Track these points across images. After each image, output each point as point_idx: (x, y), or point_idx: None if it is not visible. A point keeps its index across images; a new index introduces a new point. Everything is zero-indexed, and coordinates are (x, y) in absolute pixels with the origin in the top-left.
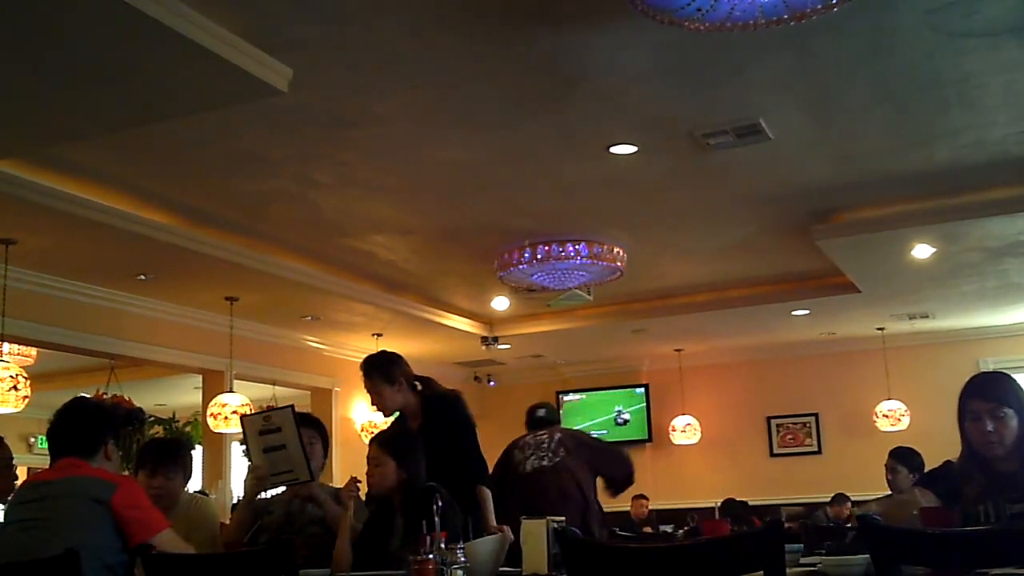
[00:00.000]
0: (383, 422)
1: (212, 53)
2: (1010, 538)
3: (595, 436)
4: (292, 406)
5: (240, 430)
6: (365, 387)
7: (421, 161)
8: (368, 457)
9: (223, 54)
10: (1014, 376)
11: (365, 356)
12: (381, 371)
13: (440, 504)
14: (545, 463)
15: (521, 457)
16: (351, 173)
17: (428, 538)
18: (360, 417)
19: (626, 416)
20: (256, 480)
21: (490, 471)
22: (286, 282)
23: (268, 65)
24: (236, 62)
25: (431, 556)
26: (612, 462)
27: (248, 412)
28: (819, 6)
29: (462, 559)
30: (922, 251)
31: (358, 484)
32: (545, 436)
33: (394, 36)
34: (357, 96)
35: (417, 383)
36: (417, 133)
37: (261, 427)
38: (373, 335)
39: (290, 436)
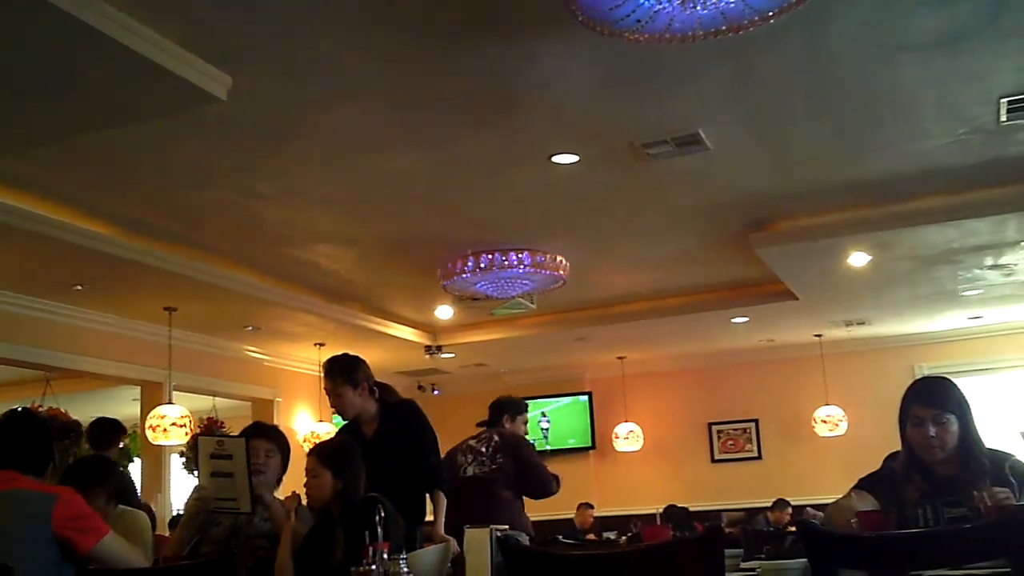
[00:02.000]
0: (325, 432)
1: (151, 62)
2: (943, 541)
3: (531, 448)
4: (247, 438)
5: (180, 442)
6: (326, 388)
7: (364, 171)
8: (305, 468)
9: (162, 62)
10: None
11: (329, 357)
12: (345, 373)
13: (382, 515)
14: (481, 471)
15: (462, 461)
16: (294, 183)
17: (370, 549)
18: (302, 428)
19: (545, 424)
20: (199, 501)
21: None
22: (226, 292)
23: (207, 73)
24: (175, 70)
25: (373, 567)
26: (535, 483)
27: (197, 429)
28: (756, 18)
29: (405, 570)
30: (858, 259)
31: (298, 495)
32: (484, 441)
33: (336, 47)
34: (299, 106)
35: (376, 389)
36: (360, 143)
37: (213, 450)
38: (316, 345)
39: (239, 466)
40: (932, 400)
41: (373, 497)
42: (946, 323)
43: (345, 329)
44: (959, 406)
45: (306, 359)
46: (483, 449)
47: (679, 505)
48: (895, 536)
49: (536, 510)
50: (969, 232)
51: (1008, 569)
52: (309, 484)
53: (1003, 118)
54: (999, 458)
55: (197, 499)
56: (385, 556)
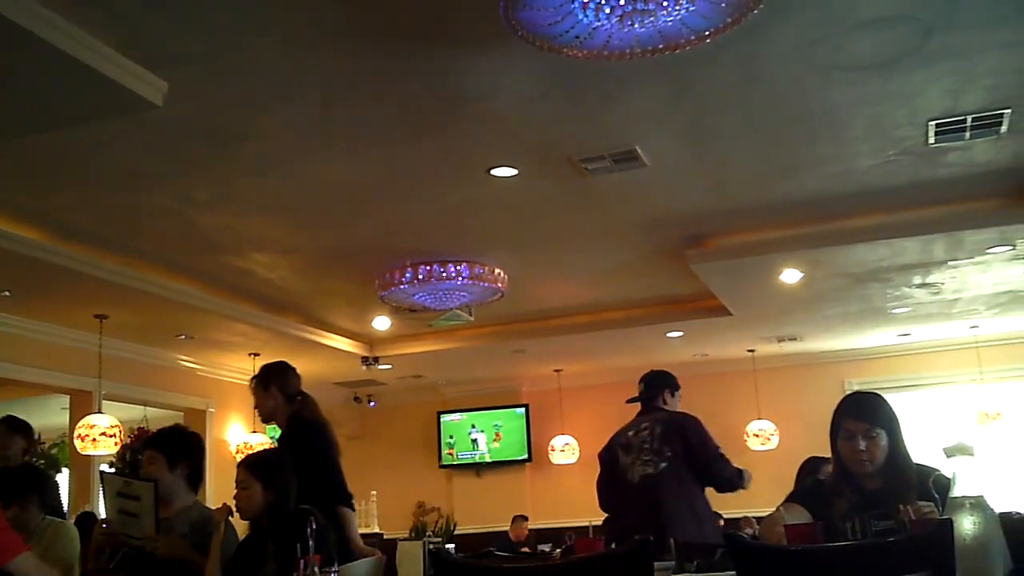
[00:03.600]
0: (258, 444)
1: (85, 65)
2: (867, 553)
3: (703, 429)
4: (155, 482)
5: (109, 452)
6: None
7: (302, 178)
8: (236, 480)
9: (96, 66)
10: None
11: None
12: (261, 376)
13: (314, 527)
14: (651, 470)
15: (627, 462)
16: (230, 189)
17: (302, 562)
18: (235, 439)
19: (475, 436)
20: (105, 535)
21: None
22: (159, 300)
23: (142, 78)
24: (109, 75)
25: None
26: (714, 476)
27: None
28: (693, 37)
29: None
30: (790, 276)
31: (228, 508)
32: (646, 430)
33: (274, 52)
34: (237, 111)
35: (299, 397)
36: (298, 151)
37: (120, 488)
38: (250, 355)
39: (147, 509)
40: (863, 414)
41: (305, 509)
42: (875, 340)
43: (280, 339)
44: (889, 421)
45: (240, 369)
46: (645, 442)
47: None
48: (819, 549)
49: (467, 523)
50: (899, 251)
51: None
52: (239, 495)
53: (931, 140)
54: (924, 473)
55: (104, 535)
56: (316, 569)
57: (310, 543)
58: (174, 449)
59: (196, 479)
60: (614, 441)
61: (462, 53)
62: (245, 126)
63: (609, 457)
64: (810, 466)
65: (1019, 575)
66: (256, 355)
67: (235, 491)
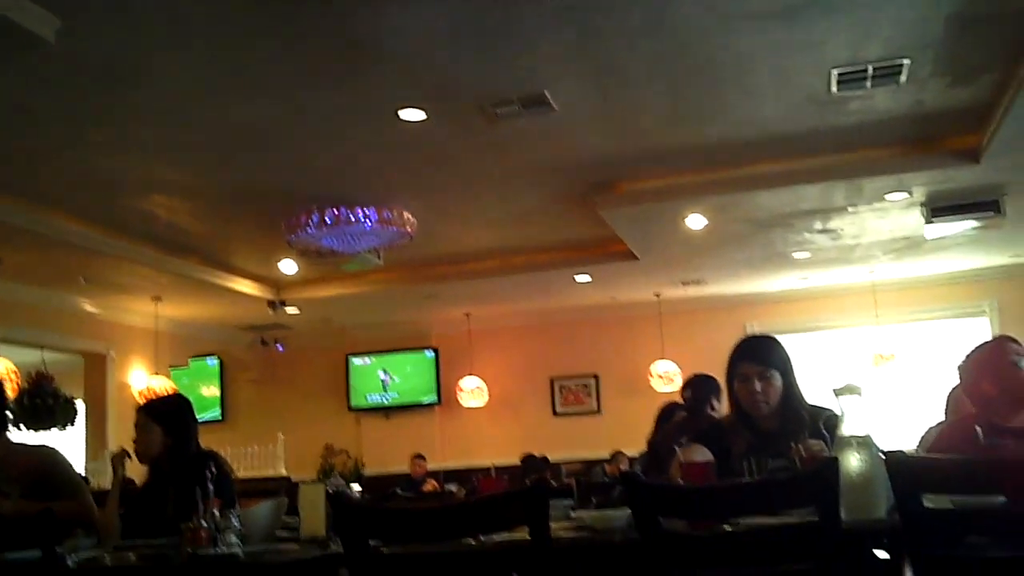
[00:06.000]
0: (161, 388)
1: None
2: (757, 491)
3: None
4: None
5: None
6: None
7: (205, 120)
8: (135, 423)
9: None
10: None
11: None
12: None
13: (214, 471)
14: None
15: None
16: (130, 130)
17: (202, 505)
18: (138, 383)
19: (386, 379)
20: None
21: None
22: (57, 242)
23: (33, 14)
24: None
25: (204, 524)
26: None
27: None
28: None
29: (236, 526)
30: (696, 221)
31: (127, 453)
32: None
33: None
34: (135, 51)
35: None
36: (202, 91)
37: None
38: (153, 298)
39: None
40: (758, 356)
41: (205, 453)
42: (777, 284)
43: (184, 282)
44: (783, 363)
45: (143, 313)
46: None
47: (537, 455)
48: (711, 487)
49: (376, 465)
50: (800, 197)
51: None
52: (137, 439)
53: (834, 88)
54: (816, 413)
55: None
56: (216, 513)
57: (210, 487)
58: None
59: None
60: None
61: None
62: (144, 66)
63: None
64: (667, 412)
65: (902, 511)
66: (158, 299)
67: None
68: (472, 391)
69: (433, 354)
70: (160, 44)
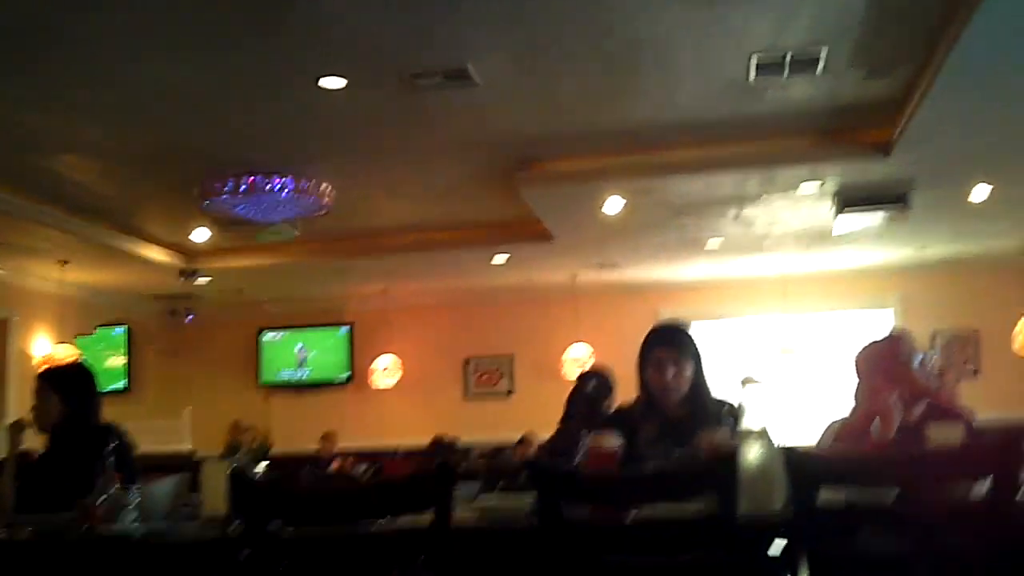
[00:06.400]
0: (65, 356)
1: None
2: (660, 478)
3: None
4: None
5: None
6: None
7: (116, 79)
8: (34, 390)
9: None
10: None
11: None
12: None
13: (115, 444)
14: None
15: None
16: (41, 88)
17: (100, 479)
18: (40, 351)
19: (303, 355)
20: None
21: None
22: None
23: None
24: None
25: (101, 499)
26: None
27: None
28: None
29: (136, 501)
30: (614, 204)
31: (23, 423)
32: None
33: None
34: (50, 7)
35: None
36: (114, 50)
37: None
38: (59, 262)
39: None
40: (672, 343)
41: (106, 425)
42: (690, 270)
43: (92, 247)
44: (695, 353)
45: (48, 277)
46: None
47: (446, 438)
48: (611, 475)
49: (285, 443)
50: (715, 184)
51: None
52: (35, 407)
53: (752, 76)
54: (719, 404)
55: None
56: (116, 487)
57: (110, 460)
58: None
59: None
60: None
61: None
62: (58, 22)
63: None
64: (582, 382)
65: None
66: (65, 262)
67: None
68: (385, 370)
69: (347, 330)
70: (75, 2)
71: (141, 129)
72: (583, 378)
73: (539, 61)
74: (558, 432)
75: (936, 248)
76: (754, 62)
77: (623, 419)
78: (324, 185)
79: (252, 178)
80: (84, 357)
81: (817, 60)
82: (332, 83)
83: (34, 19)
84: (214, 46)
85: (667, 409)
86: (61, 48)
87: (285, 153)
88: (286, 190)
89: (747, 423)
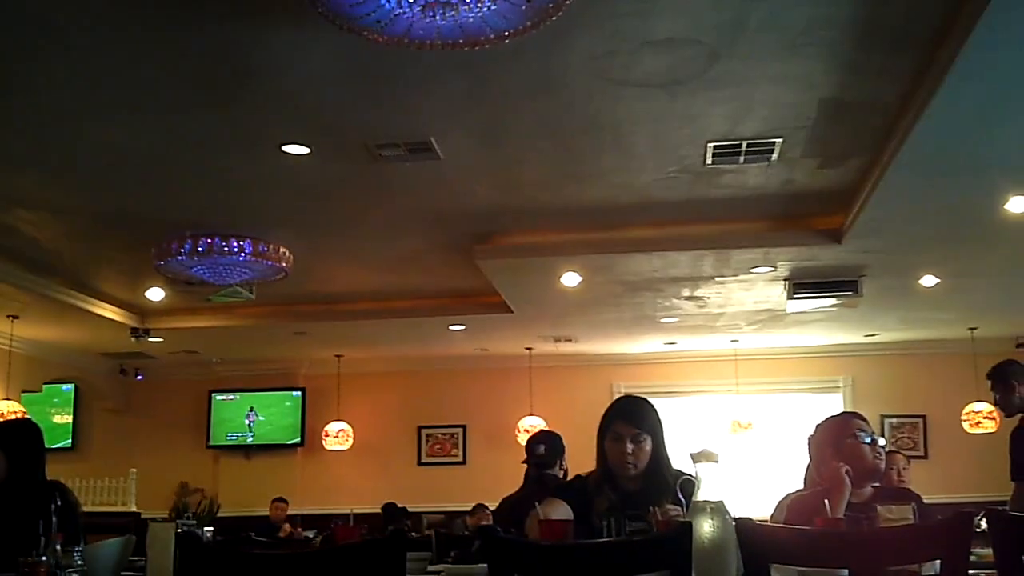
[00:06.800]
0: (10, 412)
1: None
2: (613, 552)
3: None
4: None
5: None
6: None
7: (76, 137)
8: None
9: None
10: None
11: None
12: None
13: (59, 503)
14: None
15: None
16: None
17: (43, 539)
18: None
19: (253, 418)
20: None
21: None
22: None
23: None
24: None
25: (43, 559)
26: None
27: None
28: (492, 36)
29: (79, 563)
30: (570, 279)
31: None
32: None
33: (54, 4)
34: (9, 60)
35: None
36: (76, 109)
37: None
38: (9, 316)
39: None
40: (633, 418)
41: (51, 483)
42: (644, 346)
43: (44, 303)
44: (655, 428)
45: None
46: None
47: (397, 504)
48: (567, 546)
49: (233, 506)
50: (671, 263)
51: None
52: None
53: (708, 161)
54: (677, 476)
55: None
56: (59, 547)
57: (53, 519)
58: None
59: None
60: None
61: (257, 23)
62: (19, 77)
63: None
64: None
65: None
66: (15, 317)
67: None
68: (337, 435)
69: (300, 394)
70: (37, 57)
71: (99, 188)
72: (531, 442)
73: (500, 138)
74: (513, 499)
75: (885, 334)
76: (711, 148)
77: (578, 489)
78: (283, 249)
79: (209, 240)
80: (28, 414)
81: (772, 149)
82: (295, 150)
83: None
84: (177, 109)
85: (622, 481)
86: (19, 100)
87: (245, 215)
88: (244, 253)
89: (702, 496)
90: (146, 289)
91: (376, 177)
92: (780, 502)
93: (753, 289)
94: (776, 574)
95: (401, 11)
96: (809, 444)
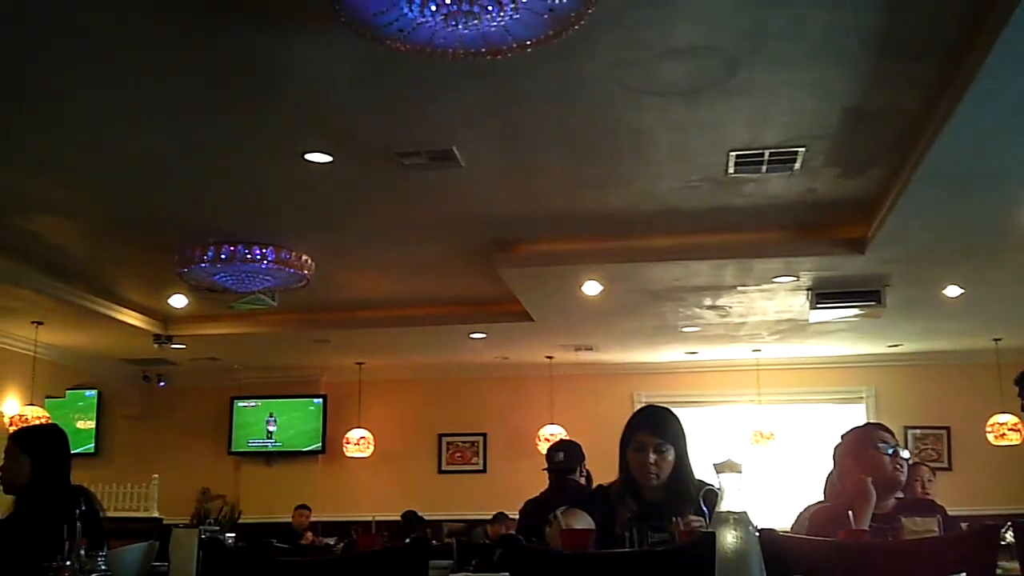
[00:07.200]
0: (36, 417)
1: None
2: (636, 562)
3: None
4: None
5: None
6: None
7: (103, 144)
8: (3, 451)
9: None
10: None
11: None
12: None
13: (83, 508)
14: None
15: None
16: (22, 147)
17: (67, 544)
18: (10, 410)
19: (272, 428)
20: None
21: None
22: None
23: None
24: None
25: (68, 563)
26: None
27: None
28: (514, 45)
29: (103, 567)
30: (592, 288)
31: None
32: None
33: (81, 8)
34: (34, 65)
35: None
36: (102, 114)
37: None
38: (33, 323)
39: None
40: (656, 428)
41: (76, 488)
42: (665, 355)
43: (67, 308)
44: (678, 437)
45: (22, 337)
46: None
47: (417, 512)
48: (590, 556)
49: (254, 512)
50: (693, 273)
51: None
52: (5, 468)
53: (730, 170)
54: (700, 487)
55: None
56: (83, 552)
57: (77, 524)
58: None
59: None
60: None
61: (282, 30)
62: (44, 83)
63: None
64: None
65: None
66: (39, 323)
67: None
68: (358, 442)
69: (321, 401)
70: (62, 63)
71: (123, 194)
72: (551, 450)
73: (522, 146)
74: (533, 505)
75: (909, 344)
76: (733, 157)
77: (600, 499)
78: (305, 257)
79: (232, 247)
80: (51, 419)
81: (795, 158)
82: (318, 158)
83: (18, 74)
84: (201, 116)
85: (645, 492)
86: (45, 107)
87: (268, 223)
88: (267, 261)
89: (725, 507)
90: (169, 296)
91: (398, 185)
92: (801, 513)
93: (775, 299)
94: None
95: (424, 20)
96: (834, 454)
